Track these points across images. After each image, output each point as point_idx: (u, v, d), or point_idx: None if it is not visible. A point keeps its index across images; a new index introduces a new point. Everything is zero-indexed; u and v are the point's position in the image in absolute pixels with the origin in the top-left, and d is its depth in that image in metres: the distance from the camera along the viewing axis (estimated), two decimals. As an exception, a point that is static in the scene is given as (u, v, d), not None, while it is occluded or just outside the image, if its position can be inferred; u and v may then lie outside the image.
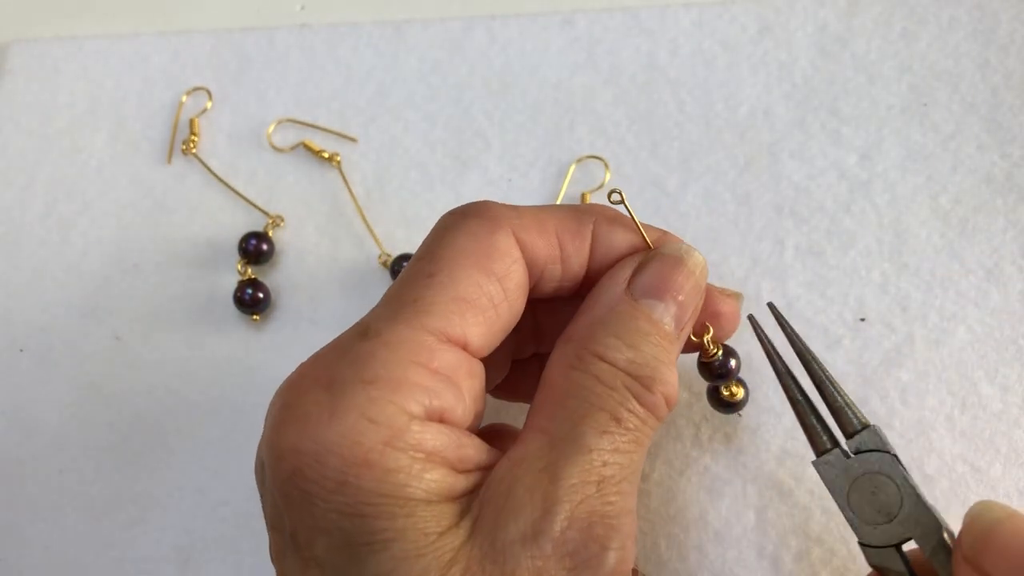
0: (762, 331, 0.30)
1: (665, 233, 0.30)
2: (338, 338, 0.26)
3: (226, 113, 0.44)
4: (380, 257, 0.40)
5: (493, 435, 0.29)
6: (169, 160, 0.44)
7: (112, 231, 0.42)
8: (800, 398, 0.29)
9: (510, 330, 0.27)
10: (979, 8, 0.41)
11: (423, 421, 0.24)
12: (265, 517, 0.26)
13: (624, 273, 0.28)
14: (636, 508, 0.26)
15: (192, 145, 0.43)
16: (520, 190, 0.41)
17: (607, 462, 0.25)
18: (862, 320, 0.36)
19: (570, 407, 0.25)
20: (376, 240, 0.41)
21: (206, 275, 0.41)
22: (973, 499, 0.32)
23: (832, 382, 0.29)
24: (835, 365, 0.35)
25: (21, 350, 0.41)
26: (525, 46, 0.44)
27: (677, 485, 0.34)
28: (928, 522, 0.27)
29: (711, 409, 0.34)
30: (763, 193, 0.39)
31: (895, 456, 0.28)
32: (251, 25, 0.46)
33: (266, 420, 0.25)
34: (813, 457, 0.29)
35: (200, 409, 0.39)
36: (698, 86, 0.41)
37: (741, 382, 0.33)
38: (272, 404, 0.25)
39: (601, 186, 0.40)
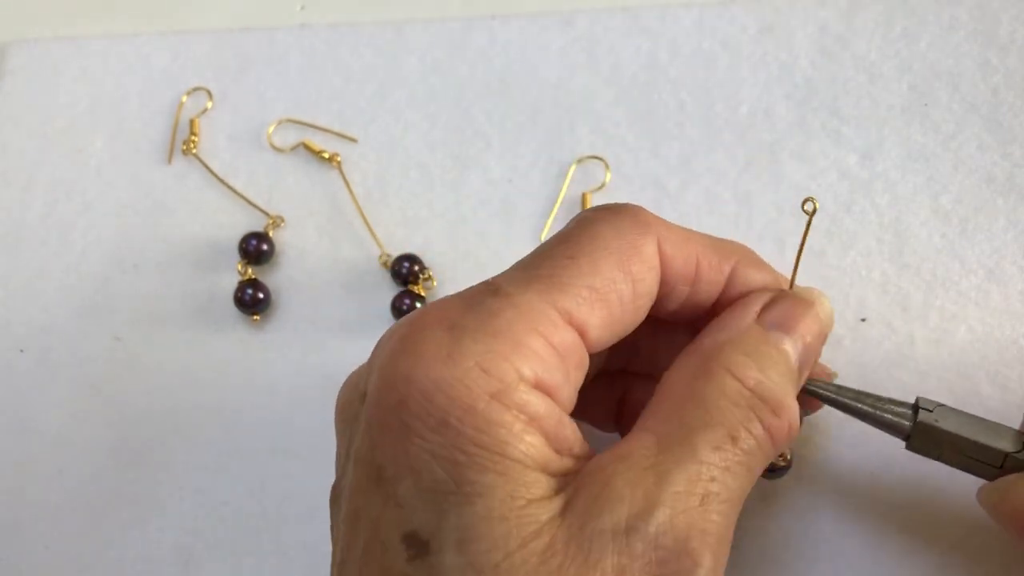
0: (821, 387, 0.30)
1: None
2: (465, 290, 0.26)
3: (226, 113, 0.44)
4: (380, 257, 0.40)
5: None
6: (169, 160, 0.44)
7: (112, 231, 0.42)
8: (852, 401, 0.29)
9: (622, 336, 0.27)
10: (980, 8, 0.41)
11: (531, 386, 0.24)
12: (339, 455, 0.27)
13: (755, 305, 0.28)
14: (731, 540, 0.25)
15: (192, 145, 0.43)
16: (520, 190, 0.41)
17: (715, 478, 0.24)
18: (863, 320, 0.36)
19: (687, 415, 0.25)
20: (376, 240, 0.41)
21: (206, 275, 0.41)
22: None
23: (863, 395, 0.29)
24: (836, 365, 0.35)
25: (21, 350, 0.41)
26: (525, 46, 0.44)
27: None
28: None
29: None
30: (763, 193, 0.39)
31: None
32: (251, 25, 0.46)
33: (378, 350, 0.25)
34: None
35: (200, 409, 0.39)
36: (698, 86, 0.41)
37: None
38: (389, 336, 0.25)
39: (602, 186, 0.40)
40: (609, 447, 0.25)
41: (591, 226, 0.26)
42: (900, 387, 0.34)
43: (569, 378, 0.25)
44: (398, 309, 0.39)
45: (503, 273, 0.26)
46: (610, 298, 0.25)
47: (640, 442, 0.24)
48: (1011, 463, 0.28)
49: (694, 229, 0.29)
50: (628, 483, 0.23)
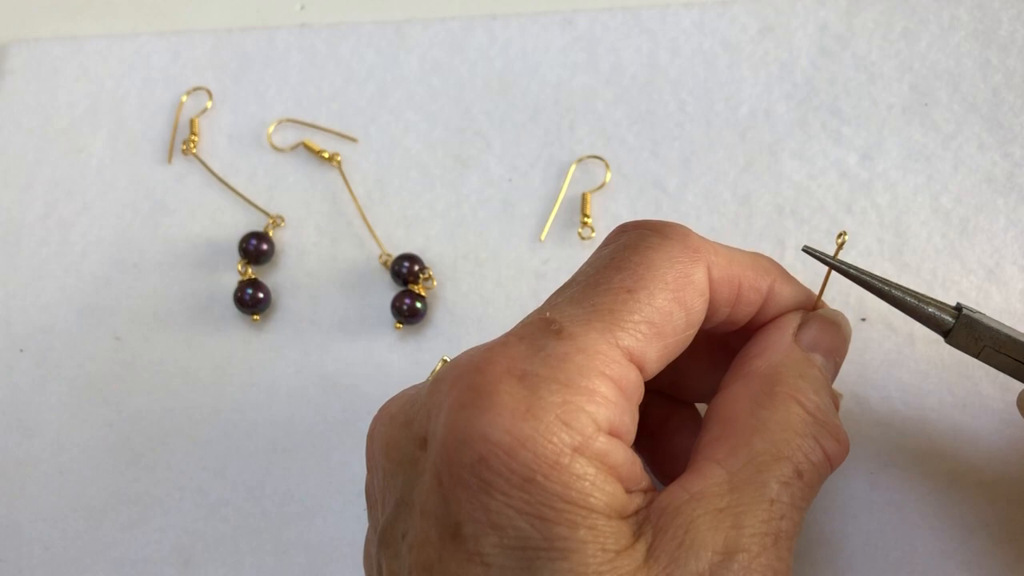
0: (823, 254, 0.30)
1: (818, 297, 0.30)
2: (524, 329, 0.25)
3: (226, 113, 0.44)
4: (380, 257, 0.40)
5: None
6: (169, 160, 0.44)
7: (112, 231, 0.42)
8: (896, 291, 0.29)
9: (669, 362, 0.27)
10: (980, 8, 0.41)
11: (607, 434, 0.23)
12: (376, 498, 0.26)
13: (791, 326, 0.28)
14: None
15: (192, 145, 0.43)
16: (520, 190, 0.41)
17: (784, 515, 0.24)
18: (863, 320, 0.36)
19: (756, 449, 0.25)
20: (376, 240, 0.41)
21: (206, 275, 0.41)
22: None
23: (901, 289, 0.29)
24: (836, 365, 0.35)
25: (21, 350, 0.41)
26: (525, 46, 0.43)
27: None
28: None
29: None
30: (763, 193, 0.39)
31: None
32: (251, 25, 0.46)
33: (439, 396, 0.24)
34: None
35: (200, 409, 0.39)
36: (699, 86, 0.41)
37: None
38: (452, 382, 0.24)
39: (602, 186, 0.40)
40: (679, 481, 0.25)
41: (645, 253, 0.26)
42: (900, 387, 0.34)
43: (633, 416, 0.25)
44: (398, 309, 0.38)
45: (557, 303, 0.26)
46: (666, 331, 0.25)
47: (713, 478, 0.25)
48: None
49: (735, 247, 0.29)
50: (708, 527, 0.23)
